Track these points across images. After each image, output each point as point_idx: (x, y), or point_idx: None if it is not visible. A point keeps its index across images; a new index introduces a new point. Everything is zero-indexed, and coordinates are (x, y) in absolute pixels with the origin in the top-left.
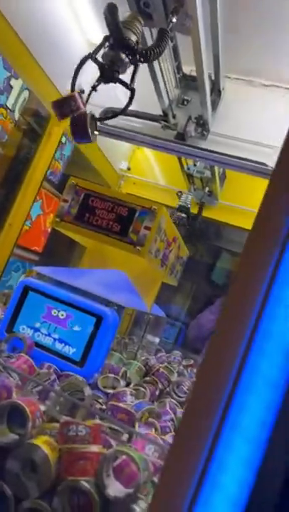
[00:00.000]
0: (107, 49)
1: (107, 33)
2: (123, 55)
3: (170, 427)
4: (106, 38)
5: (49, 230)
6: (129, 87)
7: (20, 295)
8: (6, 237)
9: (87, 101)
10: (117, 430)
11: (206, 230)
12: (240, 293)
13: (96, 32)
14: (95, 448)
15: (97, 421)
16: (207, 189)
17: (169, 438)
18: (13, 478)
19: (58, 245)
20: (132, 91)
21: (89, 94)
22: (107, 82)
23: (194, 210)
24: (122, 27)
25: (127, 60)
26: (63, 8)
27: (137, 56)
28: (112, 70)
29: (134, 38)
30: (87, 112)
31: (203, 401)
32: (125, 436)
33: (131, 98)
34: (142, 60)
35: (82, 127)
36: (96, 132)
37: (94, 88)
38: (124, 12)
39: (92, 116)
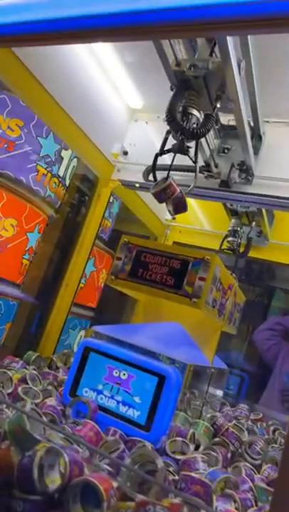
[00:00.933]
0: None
1: (143, 99)
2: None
3: (251, 499)
4: (168, 132)
5: (102, 285)
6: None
7: (81, 356)
8: (63, 297)
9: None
10: (194, 506)
11: (258, 270)
12: None
13: (133, 97)
14: None
15: (175, 500)
16: (254, 224)
17: None
18: None
19: (111, 300)
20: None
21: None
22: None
23: (242, 248)
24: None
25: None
26: (101, 78)
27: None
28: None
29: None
30: (180, 192)
31: None
32: None
33: (196, 172)
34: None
35: (181, 207)
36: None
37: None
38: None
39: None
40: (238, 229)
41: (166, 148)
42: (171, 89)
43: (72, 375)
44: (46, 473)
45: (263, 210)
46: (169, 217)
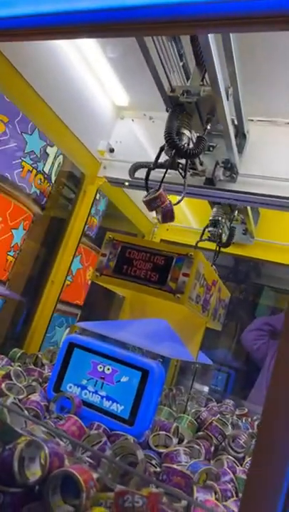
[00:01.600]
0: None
1: (129, 96)
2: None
3: (231, 490)
4: (161, 149)
5: (89, 283)
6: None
7: (65, 352)
8: (49, 294)
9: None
10: (173, 496)
11: (245, 269)
12: None
13: (119, 94)
14: None
15: (154, 489)
16: (236, 213)
17: (231, 504)
18: None
19: (98, 297)
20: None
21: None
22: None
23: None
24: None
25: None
26: (87, 75)
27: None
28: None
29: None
30: (170, 203)
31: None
32: (184, 503)
33: (184, 185)
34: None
35: (169, 217)
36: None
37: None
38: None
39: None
40: (220, 219)
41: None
42: (167, 111)
43: (57, 370)
44: (27, 465)
45: (248, 208)
46: (156, 215)
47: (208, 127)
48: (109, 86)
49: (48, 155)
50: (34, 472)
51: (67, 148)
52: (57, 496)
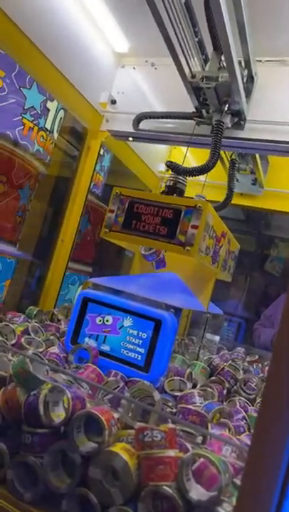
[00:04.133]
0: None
1: (129, 42)
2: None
3: (244, 426)
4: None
5: (98, 240)
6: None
7: (80, 307)
8: (59, 252)
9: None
10: (190, 433)
11: (253, 219)
12: None
13: (119, 40)
14: (172, 452)
15: (171, 425)
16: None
17: (244, 437)
18: (96, 485)
19: (109, 254)
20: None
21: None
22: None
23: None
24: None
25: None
26: (85, 22)
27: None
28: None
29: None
30: (163, 255)
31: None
32: (199, 439)
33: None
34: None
35: (162, 265)
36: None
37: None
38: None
39: None
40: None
41: None
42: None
43: (73, 324)
44: (51, 409)
45: (257, 157)
46: (162, 168)
47: (226, 109)
48: (107, 31)
49: (48, 110)
50: (59, 415)
51: (67, 101)
52: (81, 434)
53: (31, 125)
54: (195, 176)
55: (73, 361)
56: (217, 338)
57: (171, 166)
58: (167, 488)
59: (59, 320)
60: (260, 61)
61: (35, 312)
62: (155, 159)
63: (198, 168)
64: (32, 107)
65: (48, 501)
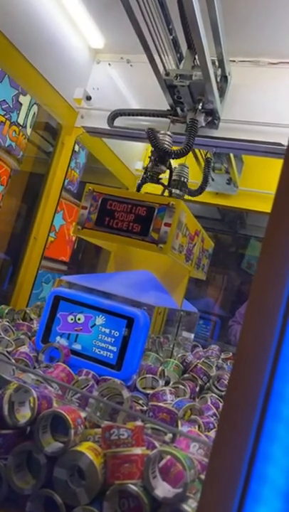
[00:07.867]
0: (151, 164)
1: (104, 37)
2: (163, 167)
3: (213, 423)
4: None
5: (73, 238)
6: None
7: (51, 305)
8: (32, 250)
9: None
10: (159, 430)
11: (229, 219)
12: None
13: (94, 35)
14: (138, 450)
15: (138, 423)
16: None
17: (213, 434)
18: (61, 485)
19: (85, 253)
20: (170, 192)
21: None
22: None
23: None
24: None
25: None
26: (60, 18)
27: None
28: (156, 178)
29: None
30: None
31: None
32: (169, 436)
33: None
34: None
35: None
36: None
37: (138, 189)
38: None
39: None
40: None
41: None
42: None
43: (44, 323)
44: (17, 409)
45: (232, 156)
46: (139, 167)
47: (200, 107)
48: (83, 26)
49: (21, 104)
50: (24, 415)
51: (41, 96)
52: (47, 434)
53: (3, 119)
54: (169, 157)
55: (44, 360)
56: (192, 335)
57: (149, 134)
58: (132, 486)
59: (31, 319)
60: (234, 61)
61: (6, 311)
62: (131, 157)
63: (176, 151)
64: (3, 100)
65: (12, 503)
